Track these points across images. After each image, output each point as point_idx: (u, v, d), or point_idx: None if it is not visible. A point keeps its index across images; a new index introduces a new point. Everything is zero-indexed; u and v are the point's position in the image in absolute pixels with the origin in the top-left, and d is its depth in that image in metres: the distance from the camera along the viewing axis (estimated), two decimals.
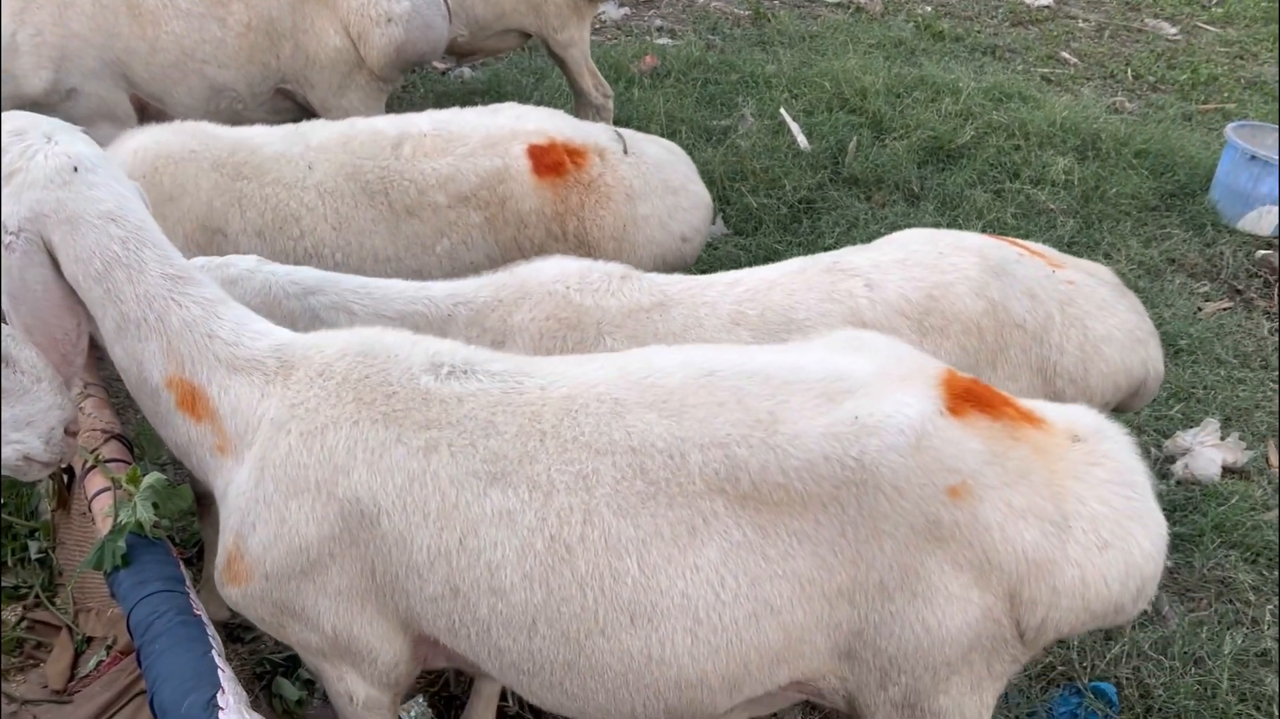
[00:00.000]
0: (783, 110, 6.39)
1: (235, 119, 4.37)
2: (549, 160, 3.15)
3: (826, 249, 5.45)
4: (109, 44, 4.15)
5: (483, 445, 2.04)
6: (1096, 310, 2.81)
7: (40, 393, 2.23)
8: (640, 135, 3.47)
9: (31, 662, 2.96)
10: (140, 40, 4.17)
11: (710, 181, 5.72)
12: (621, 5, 8.00)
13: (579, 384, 2.09)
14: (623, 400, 2.05)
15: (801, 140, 6.13)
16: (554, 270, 2.67)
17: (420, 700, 3.23)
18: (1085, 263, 3.06)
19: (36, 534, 3.20)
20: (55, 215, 2.14)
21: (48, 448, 2.28)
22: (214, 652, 2.46)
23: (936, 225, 5.44)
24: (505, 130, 3.21)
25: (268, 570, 2.16)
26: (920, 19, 8.15)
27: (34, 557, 3.15)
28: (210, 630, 2.57)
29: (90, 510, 2.94)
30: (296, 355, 2.18)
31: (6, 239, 2.13)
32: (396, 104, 6.29)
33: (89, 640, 2.95)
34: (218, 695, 2.30)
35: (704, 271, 5.03)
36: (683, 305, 2.65)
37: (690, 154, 5.80)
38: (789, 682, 2.10)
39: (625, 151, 3.26)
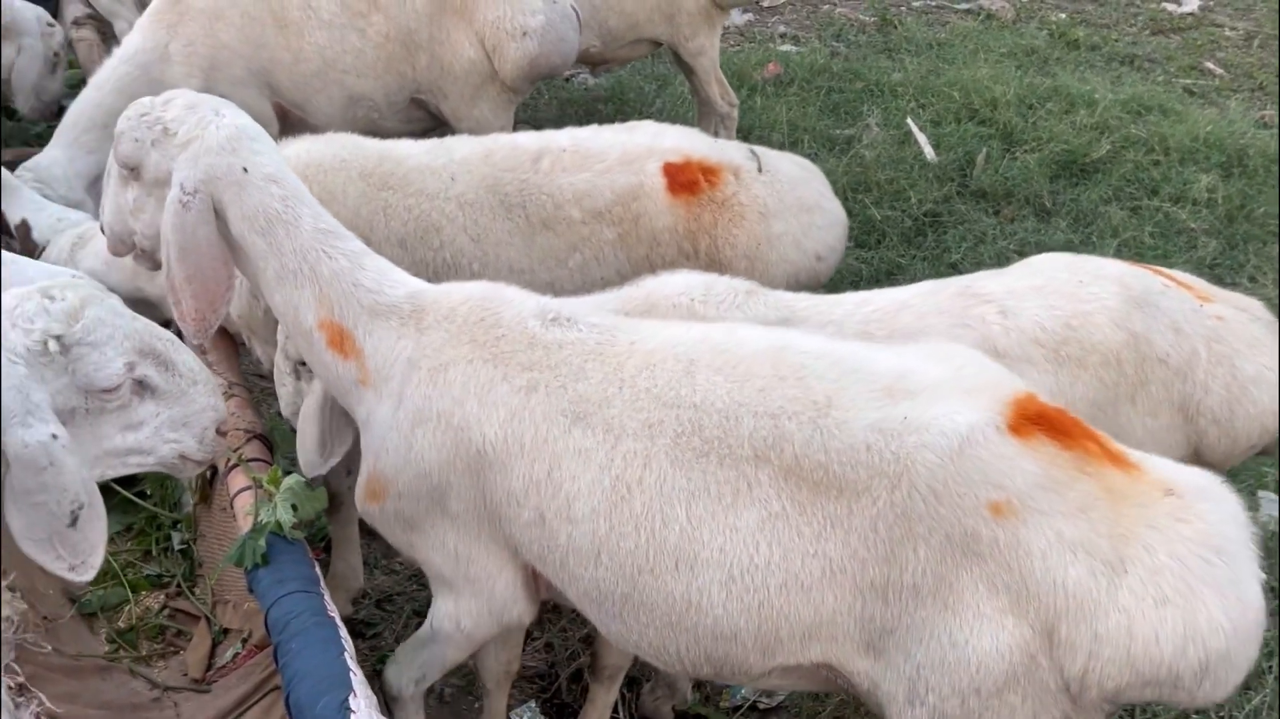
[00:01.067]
0: (909, 120, 6.28)
1: (371, 128, 4.49)
2: (683, 179, 3.16)
3: (952, 264, 5.42)
4: (256, 54, 4.32)
5: (572, 388, 2.25)
6: (1246, 349, 2.69)
7: (196, 394, 2.35)
8: (775, 153, 3.45)
9: (171, 649, 3.09)
10: (285, 50, 4.32)
11: (833, 193, 5.69)
12: (745, 11, 7.95)
13: (663, 342, 2.26)
14: (696, 361, 2.20)
15: (928, 151, 6.02)
16: (679, 284, 2.70)
17: (532, 706, 3.28)
18: (1236, 296, 2.94)
19: (180, 526, 3.34)
20: (226, 178, 2.40)
21: (201, 447, 2.40)
22: (347, 654, 2.55)
23: (1068, 243, 5.28)
24: (642, 148, 3.23)
25: (400, 490, 2.42)
26: (1054, 26, 7.90)
27: (176, 547, 3.30)
28: (343, 633, 2.66)
29: (231, 507, 3.06)
30: (428, 301, 2.43)
31: (184, 198, 2.37)
32: (521, 110, 6.39)
33: (226, 632, 3.07)
34: (350, 698, 2.38)
35: (823, 286, 5.05)
36: (808, 323, 2.63)
37: (814, 164, 5.87)
38: (821, 660, 2.15)
39: (760, 170, 3.25)
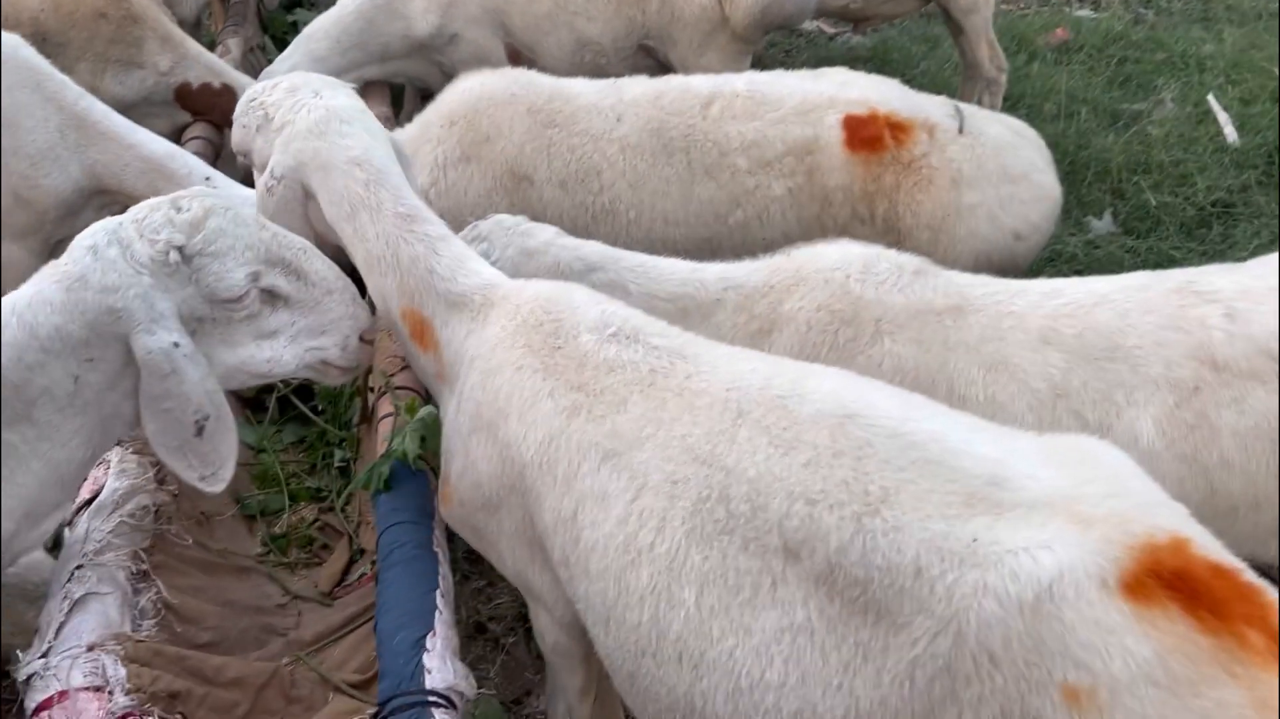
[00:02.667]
0: (1211, 97, 5.49)
1: (598, 72, 4.46)
2: (866, 134, 2.84)
3: (1239, 261, 4.70)
4: None
5: (610, 420, 1.96)
6: None
7: (331, 304, 2.33)
8: (985, 113, 3.06)
9: (315, 560, 3.18)
10: None
11: (1104, 172, 5.06)
12: None
13: (720, 380, 1.91)
14: (746, 413, 1.83)
15: (1229, 132, 5.24)
16: (835, 256, 2.41)
17: None
18: None
19: (344, 443, 3.44)
20: (313, 163, 2.36)
21: (344, 354, 2.40)
22: (438, 592, 2.51)
23: None
24: (823, 97, 2.95)
25: (462, 498, 2.29)
26: None
27: (337, 464, 3.39)
28: (443, 569, 2.62)
29: (377, 431, 3.11)
30: (498, 296, 2.24)
31: (270, 183, 2.37)
32: (778, 67, 6.15)
33: (362, 552, 3.13)
34: (428, 636, 2.34)
35: (1078, 272, 4.51)
36: (983, 313, 2.29)
37: (1087, 139, 5.25)
38: None
39: (961, 130, 2.87)
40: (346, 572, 3.08)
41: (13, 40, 3.36)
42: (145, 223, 2.13)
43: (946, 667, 1.55)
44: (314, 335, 2.32)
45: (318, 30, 4.45)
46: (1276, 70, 5.62)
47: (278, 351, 2.30)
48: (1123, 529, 1.53)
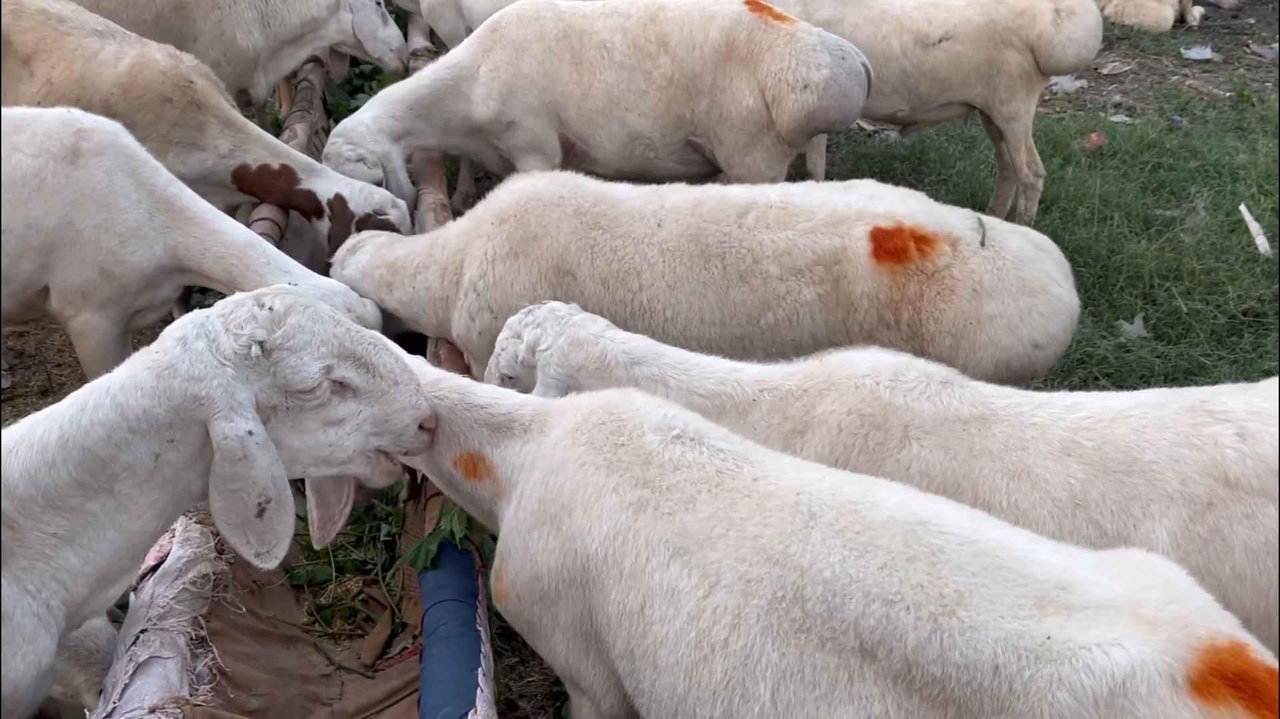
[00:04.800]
0: (1243, 207, 5.60)
1: (647, 165, 4.70)
2: (891, 245, 3.01)
3: (1265, 372, 4.75)
4: (550, 86, 4.65)
5: (680, 518, 2.04)
6: None
7: (397, 394, 2.43)
8: (1007, 226, 3.20)
9: (359, 632, 3.31)
10: (576, 85, 4.62)
11: (1136, 277, 5.18)
12: (1078, 78, 7.45)
13: (788, 485, 2.02)
14: (818, 517, 1.92)
15: (1262, 243, 5.34)
16: (867, 363, 2.53)
17: None
18: None
19: (390, 518, 3.60)
20: None
21: (400, 441, 2.50)
22: (480, 670, 2.63)
23: None
24: (852, 210, 3.12)
25: (519, 593, 2.34)
26: None
27: (383, 538, 3.54)
28: (485, 648, 2.74)
29: (427, 509, 3.26)
30: (552, 409, 2.38)
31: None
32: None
33: (404, 625, 3.26)
34: (469, 714, 2.45)
35: (1108, 375, 4.60)
36: (1007, 423, 2.39)
37: (1119, 244, 5.39)
38: None
39: (983, 243, 3.03)
40: (389, 644, 3.21)
41: (114, 127, 3.65)
42: (231, 318, 2.27)
43: None
44: (378, 425, 2.43)
45: (394, 93, 4.79)
46: None
47: (341, 438, 2.40)
48: (1187, 631, 1.62)
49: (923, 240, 3.03)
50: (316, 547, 2.67)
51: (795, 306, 3.14)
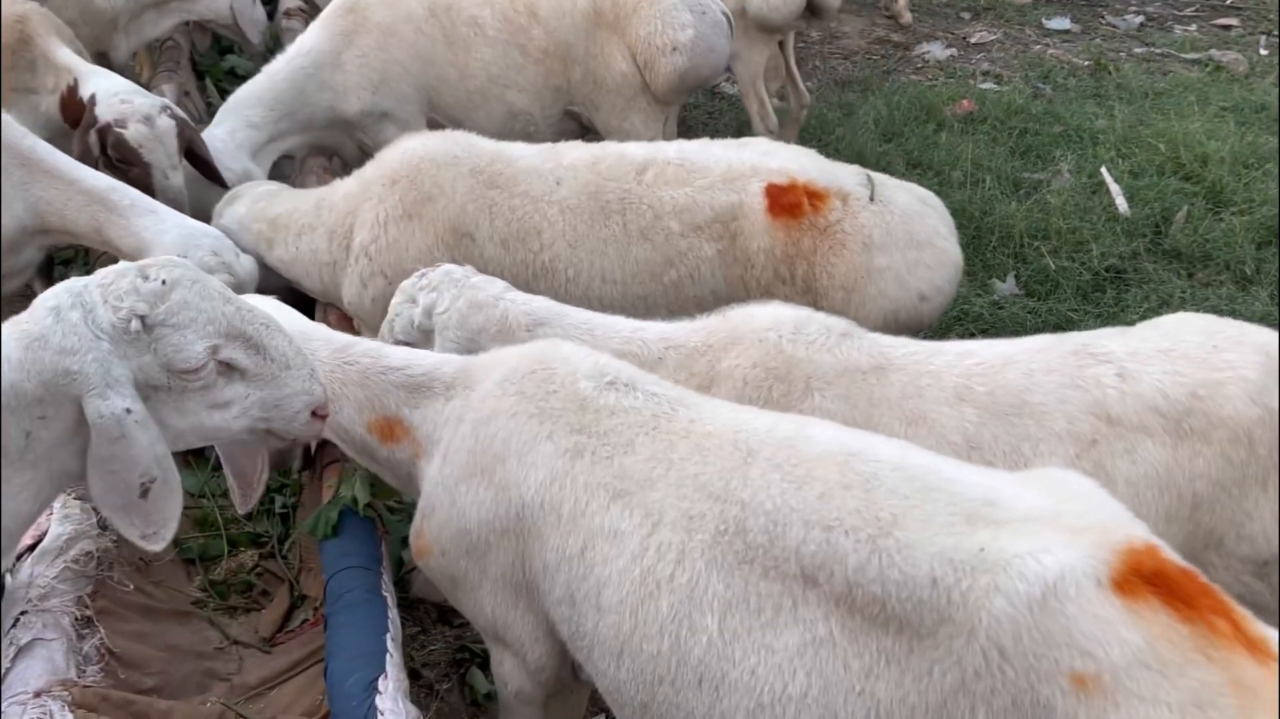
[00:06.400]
0: (1104, 169, 5.87)
1: (526, 140, 4.57)
2: (785, 201, 3.06)
3: (1129, 324, 5.01)
4: (424, 70, 4.40)
5: (618, 461, 2.09)
6: None
7: (289, 378, 2.29)
8: (894, 182, 3.29)
9: (254, 605, 3.22)
10: (452, 67, 4.43)
11: (1007, 237, 5.38)
12: (949, 46, 7.69)
13: (724, 425, 2.08)
14: (755, 453, 1.98)
15: (1121, 203, 5.60)
16: (769, 317, 2.58)
17: None
18: None
19: (285, 489, 3.49)
20: None
21: (290, 428, 2.37)
22: (389, 635, 2.59)
23: (1267, 314, 4.79)
24: (747, 166, 3.16)
25: (444, 548, 2.35)
26: None
27: (278, 510, 3.44)
28: (392, 614, 2.70)
29: (323, 478, 3.18)
30: (476, 362, 2.38)
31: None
32: (698, 130, 6.40)
33: (304, 598, 3.18)
34: (379, 679, 2.42)
35: (984, 331, 4.78)
36: (904, 372, 2.48)
37: (991, 206, 5.59)
38: None
39: (871, 198, 3.11)
40: (288, 618, 3.13)
41: None
42: (111, 288, 2.12)
43: (963, 665, 1.70)
44: (266, 409, 2.30)
45: (249, 97, 4.29)
46: (1162, 146, 6.04)
47: (227, 422, 2.27)
48: (1106, 537, 1.74)
49: (815, 196, 3.09)
50: (241, 513, 2.61)
51: (697, 263, 3.17)
